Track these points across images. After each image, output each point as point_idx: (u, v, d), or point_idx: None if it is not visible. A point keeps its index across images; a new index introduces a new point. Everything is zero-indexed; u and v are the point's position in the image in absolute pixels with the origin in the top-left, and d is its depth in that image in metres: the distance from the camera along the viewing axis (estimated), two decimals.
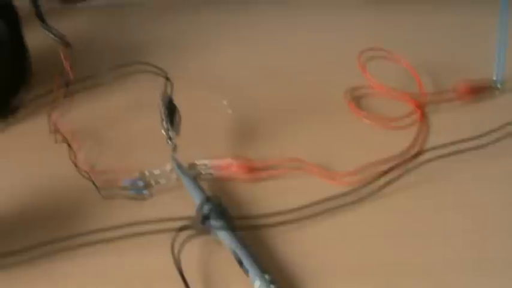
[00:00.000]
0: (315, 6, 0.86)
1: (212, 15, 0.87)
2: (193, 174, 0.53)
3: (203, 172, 0.54)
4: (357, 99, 0.64)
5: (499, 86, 0.64)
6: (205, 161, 0.54)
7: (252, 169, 0.54)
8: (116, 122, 0.63)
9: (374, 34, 0.77)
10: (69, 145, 0.57)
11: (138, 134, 0.60)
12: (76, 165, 0.55)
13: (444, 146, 0.55)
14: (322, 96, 0.65)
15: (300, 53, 0.74)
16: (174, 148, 0.53)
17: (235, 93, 0.66)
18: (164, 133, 0.53)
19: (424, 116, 0.61)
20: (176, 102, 0.55)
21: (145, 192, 0.53)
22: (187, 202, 0.51)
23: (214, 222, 0.47)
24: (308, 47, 0.76)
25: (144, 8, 0.93)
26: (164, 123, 0.53)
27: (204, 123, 0.61)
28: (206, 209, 0.48)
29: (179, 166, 0.53)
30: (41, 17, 0.61)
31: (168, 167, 0.53)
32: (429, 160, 0.55)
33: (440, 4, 0.81)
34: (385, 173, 0.53)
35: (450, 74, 0.66)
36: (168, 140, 0.53)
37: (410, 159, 0.54)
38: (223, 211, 0.48)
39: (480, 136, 0.57)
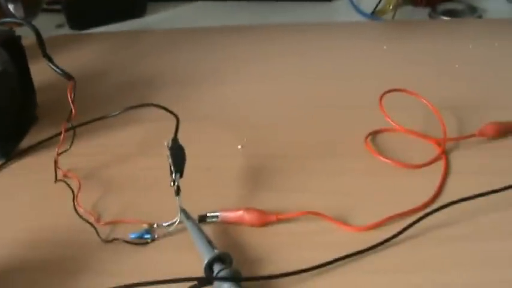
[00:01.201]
0: (336, 48, 0.83)
1: (228, 47, 0.85)
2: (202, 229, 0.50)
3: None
4: (378, 142, 0.61)
5: None
6: (216, 213, 0.51)
7: (265, 223, 0.51)
8: (122, 163, 0.60)
9: (396, 76, 0.74)
10: (73, 192, 0.54)
11: (145, 176, 0.58)
12: (80, 215, 0.52)
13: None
14: (341, 140, 0.62)
15: (318, 95, 0.71)
16: (178, 191, 0.50)
17: (250, 136, 0.63)
18: (171, 177, 0.50)
19: (446, 158, 0.58)
20: (185, 144, 0.52)
21: (148, 237, 0.50)
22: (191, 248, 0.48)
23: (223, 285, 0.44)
24: (327, 88, 0.72)
25: (156, 35, 0.91)
26: (171, 167, 0.50)
27: (216, 168, 0.58)
28: (216, 269, 0.45)
29: (188, 218, 0.50)
30: (44, 52, 0.59)
31: (177, 218, 0.50)
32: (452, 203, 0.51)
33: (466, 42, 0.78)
34: (408, 227, 0.49)
35: (476, 114, 0.64)
36: (172, 183, 0.50)
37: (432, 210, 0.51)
38: (234, 272, 0.45)
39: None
